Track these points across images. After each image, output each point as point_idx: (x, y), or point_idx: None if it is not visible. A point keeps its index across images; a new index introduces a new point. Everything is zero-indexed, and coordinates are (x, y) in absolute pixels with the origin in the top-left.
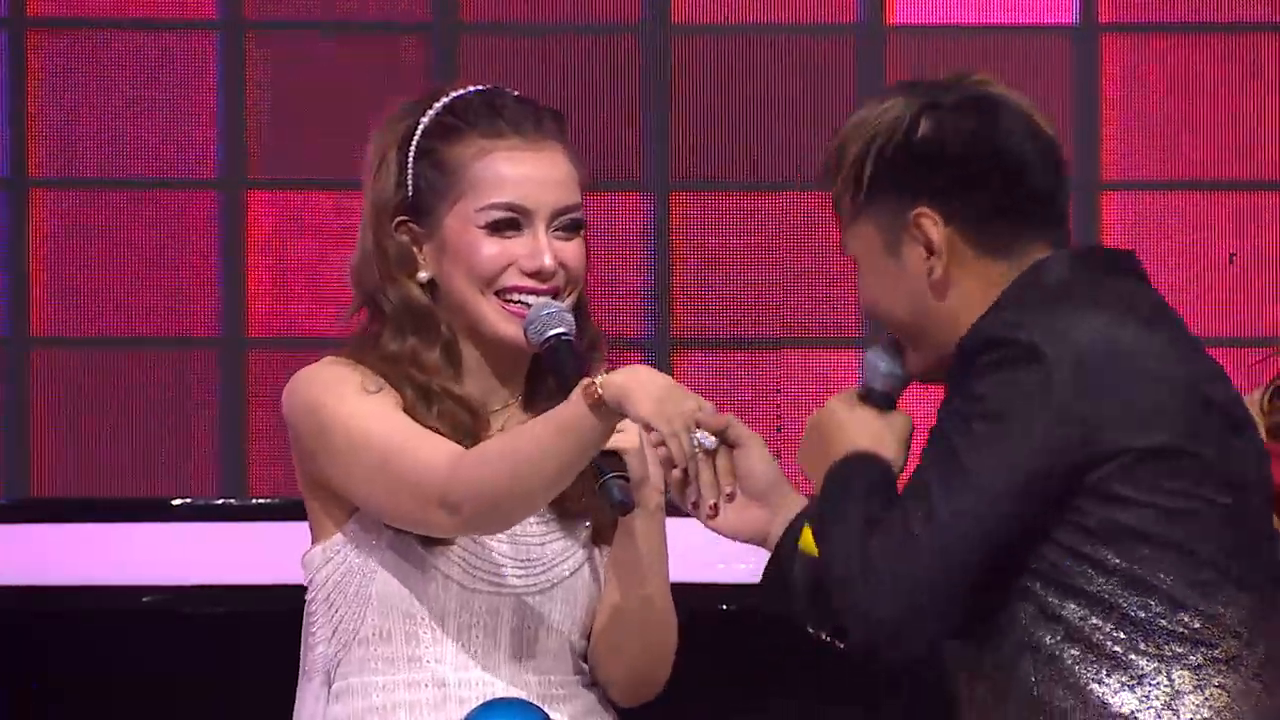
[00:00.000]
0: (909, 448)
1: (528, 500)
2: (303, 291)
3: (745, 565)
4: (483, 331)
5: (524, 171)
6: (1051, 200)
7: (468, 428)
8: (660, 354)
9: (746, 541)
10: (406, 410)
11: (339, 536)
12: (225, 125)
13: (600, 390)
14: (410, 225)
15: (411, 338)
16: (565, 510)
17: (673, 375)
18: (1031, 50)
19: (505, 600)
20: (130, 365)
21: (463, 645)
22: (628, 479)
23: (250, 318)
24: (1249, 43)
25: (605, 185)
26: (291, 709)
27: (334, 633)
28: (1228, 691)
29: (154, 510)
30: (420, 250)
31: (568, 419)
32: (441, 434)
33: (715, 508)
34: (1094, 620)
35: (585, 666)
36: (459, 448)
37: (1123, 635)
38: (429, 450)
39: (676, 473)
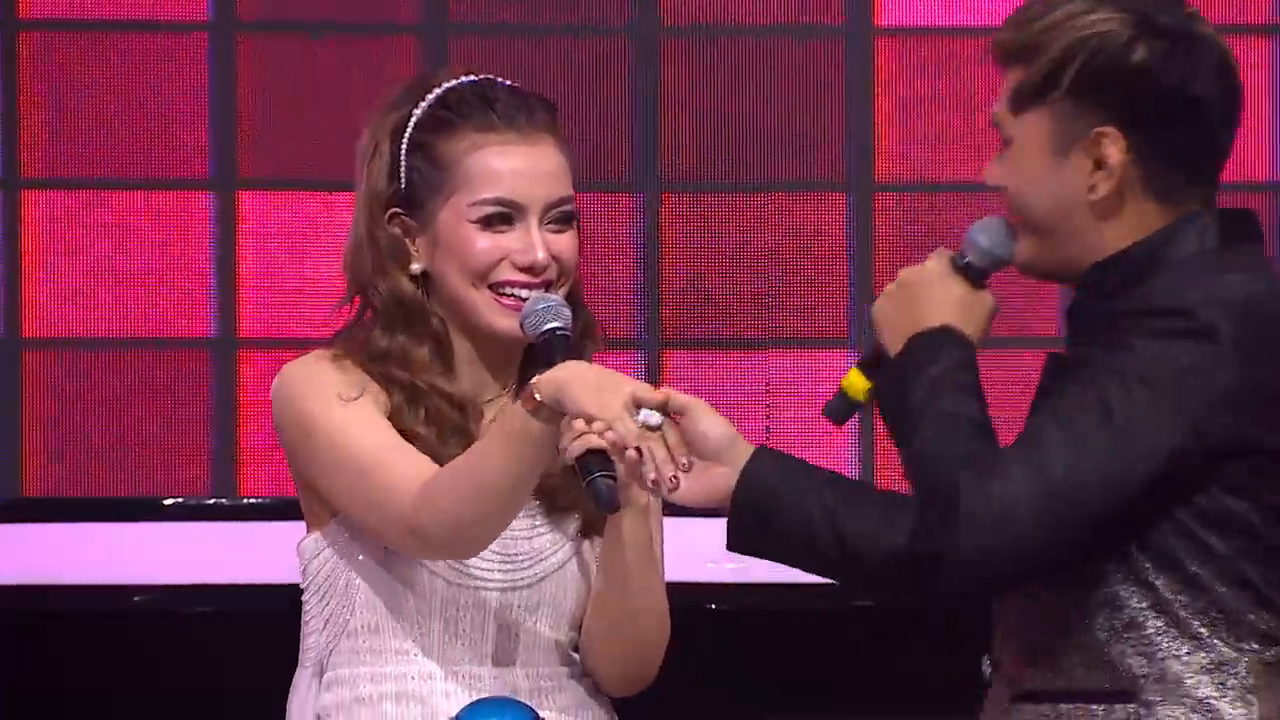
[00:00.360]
0: (989, 329)
1: (493, 519)
2: (294, 292)
3: (734, 565)
4: (476, 324)
5: (516, 165)
6: (1223, 156)
7: (457, 425)
8: (651, 354)
9: (717, 504)
10: (392, 414)
11: (332, 526)
12: (217, 126)
13: (537, 393)
14: (403, 218)
15: (401, 334)
16: (554, 504)
17: (663, 376)
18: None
19: (492, 595)
20: (123, 365)
21: (449, 639)
22: (615, 478)
23: (241, 318)
24: None
25: (597, 186)
26: (283, 707)
27: (325, 624)
28: None
29: (146, 510)
30: (413, 242)
31: (513, 428)
32: (428, 439)
33: (675, 479)
34: (1184, 598)
35: (575, 658)
36: (430, 468)
37: (1209, 619)
38: (399, 475)
39: (631, 454)
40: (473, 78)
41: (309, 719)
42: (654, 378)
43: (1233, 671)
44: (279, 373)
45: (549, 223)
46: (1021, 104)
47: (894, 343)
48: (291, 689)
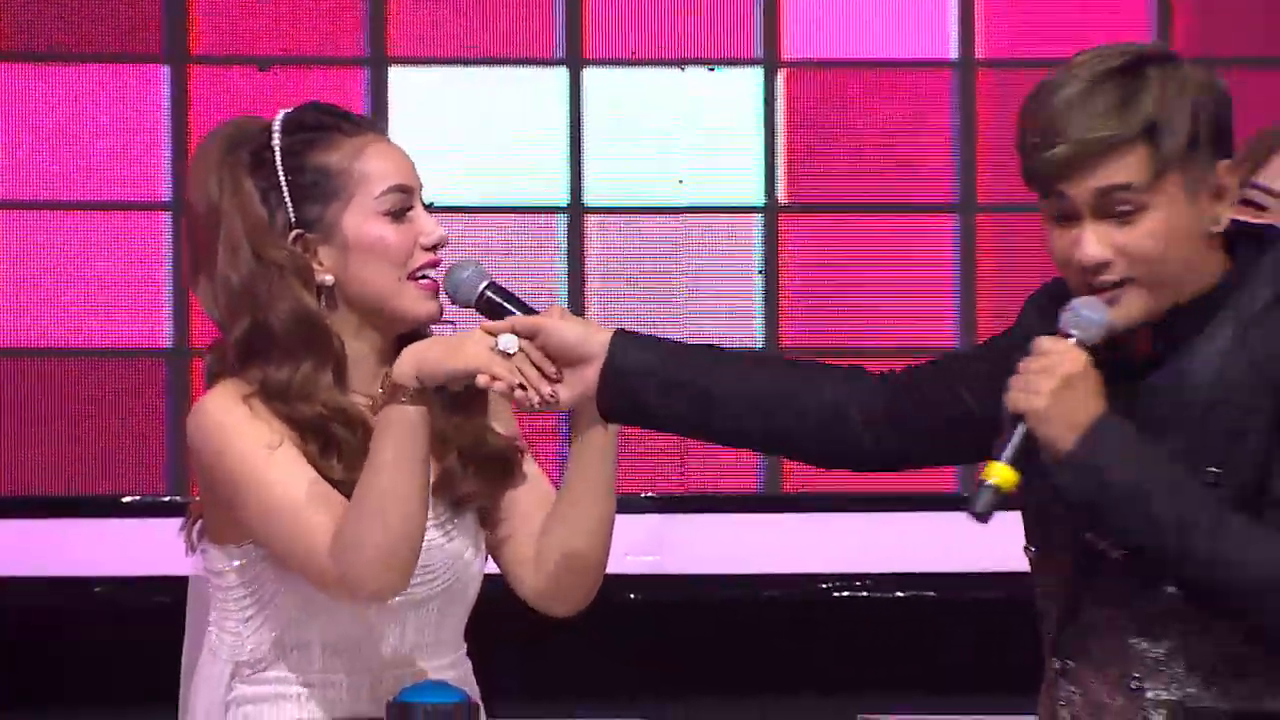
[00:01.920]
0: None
1: (413, 531)
2: None
3: (651, 558)
4: (397, 316)
5: (396, 157)
6: None
7: (355, 449)
8: None
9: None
10: (307, 457)
11: (249, 547)
12: (173, 152)
13: (400, 382)
14: (305, 235)
15: (305, 361)
16: (455, 498)
17: None
18: (916, 82)
19: (417, 604)
20: (86, 374)
21: (372, 645)
22: None
23: (194, 330)
24: None
25: (528, 207)
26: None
27: (245, 625)
28: None
29: (106, 506)
30: (315, 255)
31: (398, 427)
32: (336, 470)
33: (553, 393)
34: None
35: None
36: (342, 507)
37: None
38: (322, 531)
39: (518, 392)
40: (288, 109)
41: (217, 707)
42: None
43: None
44: (198, 413)
45: (425, 206)
46: (1154, 177)
47: (1064, 437)
48: (196, 676)
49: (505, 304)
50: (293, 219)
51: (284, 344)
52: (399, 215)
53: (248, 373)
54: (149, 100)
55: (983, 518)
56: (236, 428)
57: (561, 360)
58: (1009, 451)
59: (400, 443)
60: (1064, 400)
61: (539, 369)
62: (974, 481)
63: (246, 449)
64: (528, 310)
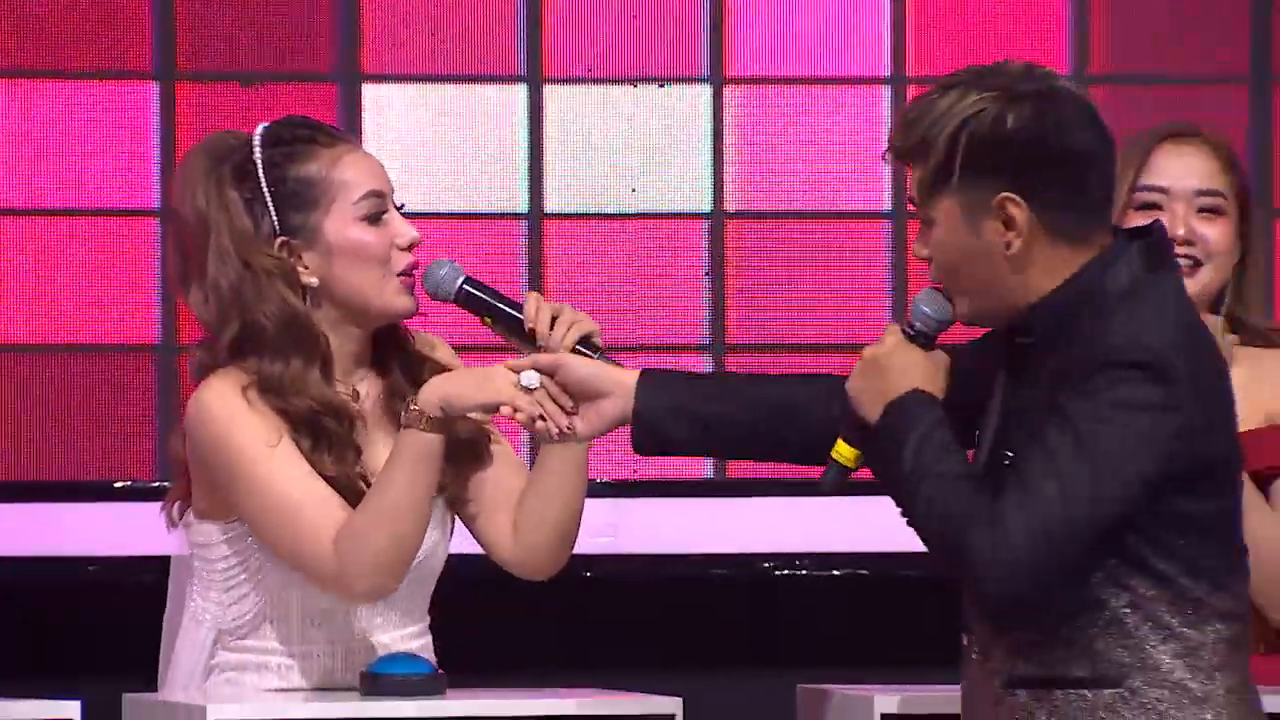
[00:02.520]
0: (947, 382)
1: (412, 544)
2: None
3: (606, 539)
4: (378, 312)
5: (370, 164)
6: (1111, 190)
7: (346, 439)
8: None
9: (615, 429)
10: (301, 452)
11: (237, 525)
12: (161, 163)
13: (425, 411)
14: (290, 241)
15: (294, 359)
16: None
17: None
18: (852, 97)
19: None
20: (81, 368)
21: (346, 619)
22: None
23: (181, 328)
24: None
25: (492, 214)
26: None
27: (229, 595)
28: (1244, 662)
29: (99, 491)
30: (300, 260)
31: (415, 453)
32: (328, 463)
33: (571, 425)
34: (1155, 593)
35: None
36: (343, 511)
37: (1178, 610)
38: (320, 528)
39: (539, 423)
40: (267, 124)
41: (199, 669)
42: None
43: (1200, 654)
44: (198, 400)
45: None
46: (928, 194)
47: (872, 413)
48: (179, 639)
49: (484, 296)
50: (277, 227)
51: (274, 344)
52: (375, 219)
53: (243, 364)
54: (140, 114)
55: (832, 491)
56: (235, 421)
57: (579, 395)
58: (846, 429)
59: (416, 468)
60: (869, 379)
61: (558, 404)
62: (827, 459)
63: (246, 444)
64: (506, 301)
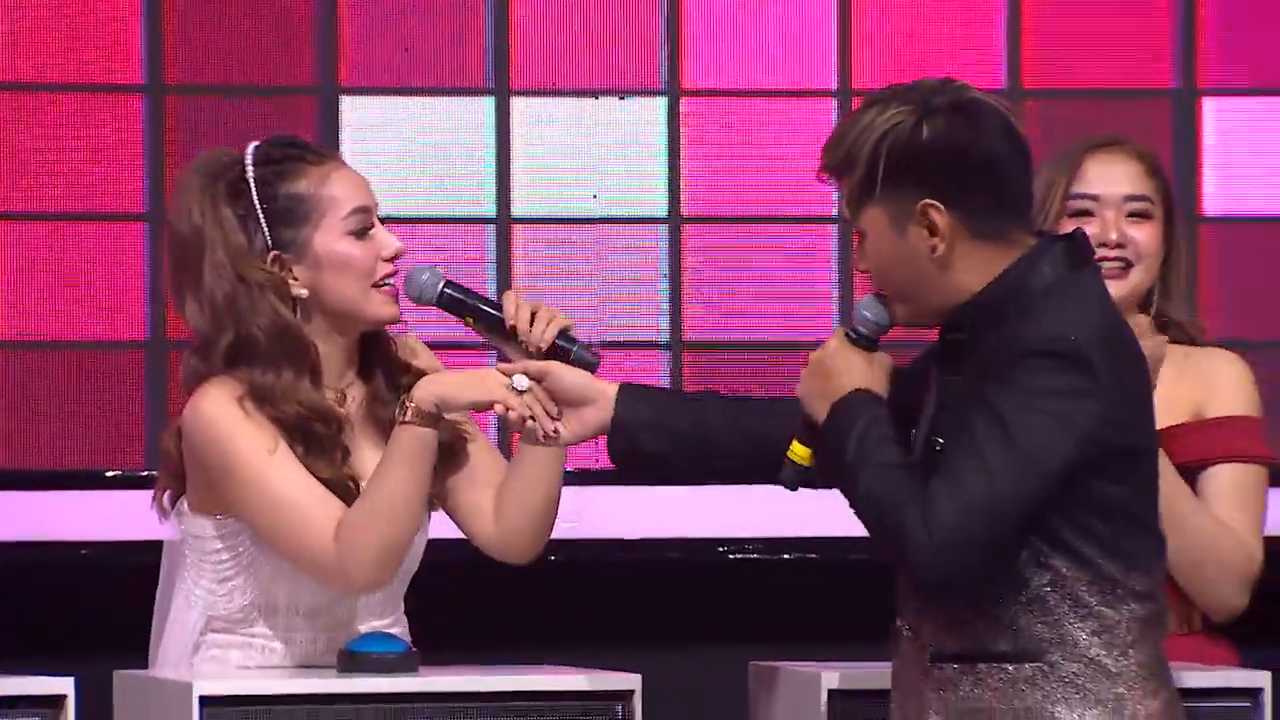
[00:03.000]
0: (891, 380)
1: (405, 537)
2: None
3: (572, 524)
4: (363, 320)
5: (356, 181)
6: (1027, 192)
7: (334, 441)
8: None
9: (594, 437)
10: (297, 457)
11: (230, 521)
12: (150, 170)
13: (420, 407)
14: (281, 255)
15: (285, 368)
16: None
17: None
18: (800, 109)
19: None
20: (75, 363)
21: (328, 604)
22: (578, 342)
23: (168, 325)
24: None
25: (462, 218)
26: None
27: (218, 585)
28: (1157, 641)
29: (92, 479)
30: (290, 273)
31: (411, 447)
32: (320, 465)
33: (555, 429)
34: (1075, 573)
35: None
36: (338, 509)
37: (1096, 590)
38: (318, 525)
39: (528, 422)
40: (257, 143)
41: (187, 645)
42: None
43: (1115, 632)
44: (196, 406)
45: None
46: (858, 205)
47: (819, 412)
48: (170, 620)
49: (464, 298)
50: (269, 242)
51: (266, 354)
52: (362, 233)
53: (236, 373)
54: (130, 125)
55: (789, 487)
56: (234, 429)
57: (564, 402)
58: (799, 429)
59: (412, 461)
60: (816, 381)
61: (544, 408)
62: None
63: (245, 450)
64: (485, 301)
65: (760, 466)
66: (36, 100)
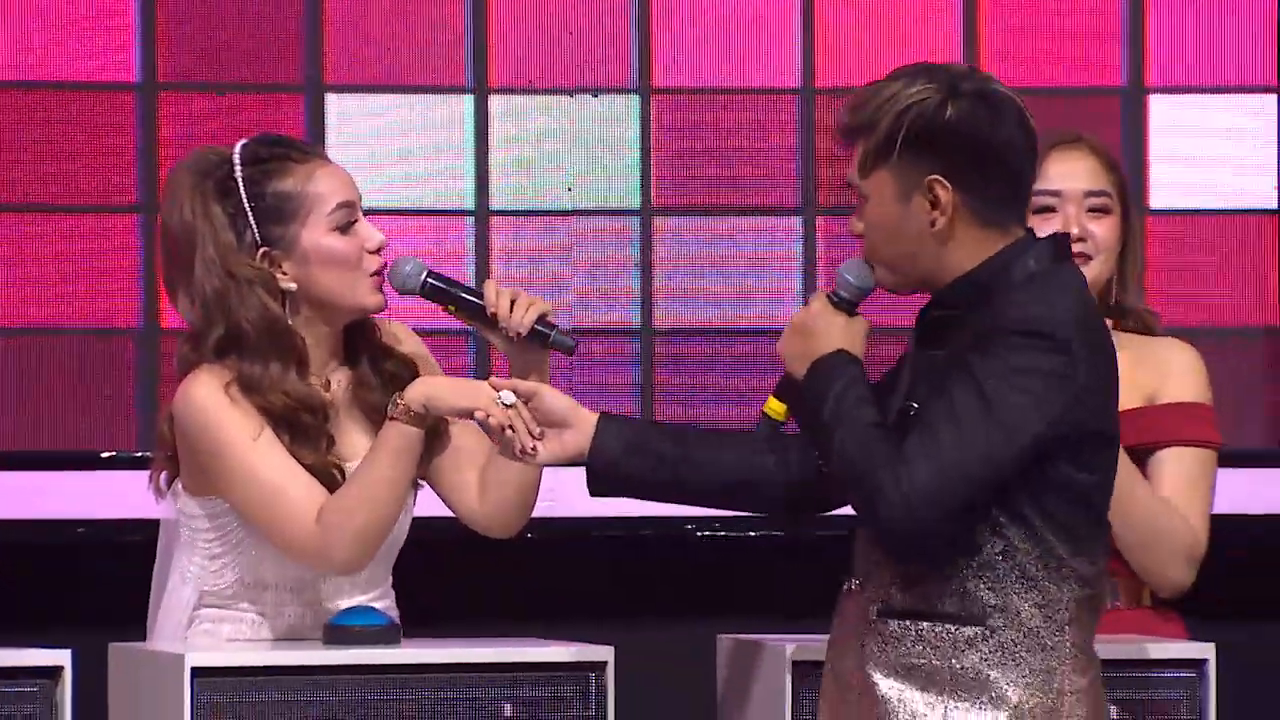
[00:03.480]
0: (866, 344)
1: (389, 524)
2: None
3: (549, 503)
4: (351, 309)
5: (340, 177)
6: (1029, 187)
7: (319, 429)
8: (482, 347)
9: (569, 463)
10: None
11: (219, 502)
12: (143, 164)
13: (410, 406)
14: (270, 252)
15: (273, 360)
16: None
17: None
18: (765, 105)
19: None
20: (71, 349)
21: (316, 579)
22: (556, 326)
23: (163, 314)
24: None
25: (442, 210)
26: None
27: (208, 563)
28: (1091, 624)
29: (88, 460)
30: (279, 268)
31: (398, 444)
32: (304, 453)
33: (534, 447)
34: (1027, 546)
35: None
36: (320, 493)
37: (1044, 564)
38: (300, 508)
39: (507, 432)
40: (245, 141)
41: (182, 619)
42: None
43: (1055, 608)
44: (186, 393)
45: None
46: (869, 168)
47: (799, 371)
48: (166, 595)
49: (446, 287)
50: (258, 239)
51: (254, 346)
52: (346, 228)
53: (225, 362)
54: (124, 120)
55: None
56: (221, 414)
57: (547, 423)
58: (777, 386)
59: (398, 456)
60: (797, 341)
61: (527, 426)
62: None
63: (231, 435)
64: (467, 289)
65: (733, 500)
66: (34, 97)
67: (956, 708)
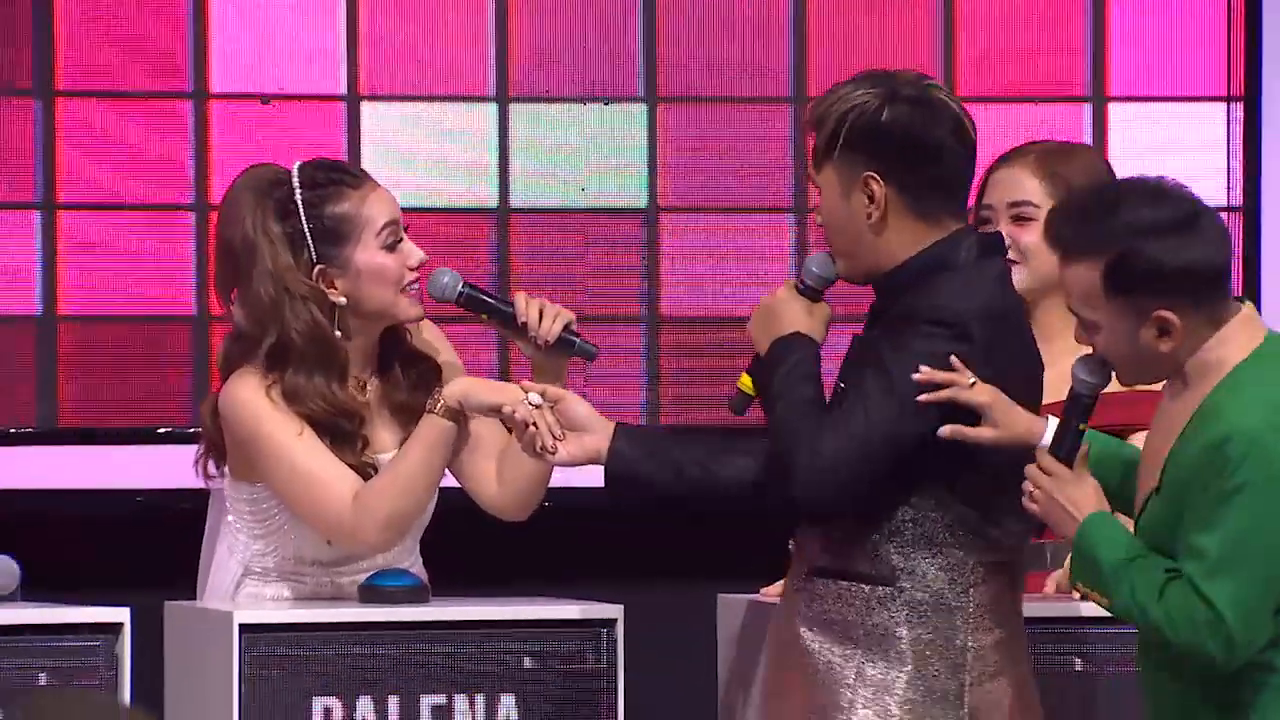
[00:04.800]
0: (828, 328)
1: (420, 509)
2: None
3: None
4: (393, 320)
5: (388, 200)
6: (964, 185)
7: (352, 435)
8: (502, 344)
9: (586, 463)
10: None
11: (261, 489)
12: (197, 166)
13: (447, 402)
14: (326, 270)
15: (316, 372)
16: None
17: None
18: (760, 114)
19: None
20: (133, 335)
21: (348, 563)
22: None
23: (211, 303)
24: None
25: (468, 209)
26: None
27: (252, 541)
28: (1003, 585)
29: (143, 436)
30: (331, 285)
31: (435, 436)
32: (347, 456)
33: (555, 446)
34: (935, 514)
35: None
36: (354, 480)
37: (951, 532)
38: (337, 493)
39: (531, 428)
40: (300, 161)
41: (230, 587)
42: None
43: (961, 571)
44: (231, 392)
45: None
46: (818, 163)
47: (761, 348)
48: (214, 565)
49: (483, 297)
50: (314, 257)
51: (301, 355)
52: (393, 246)
53: (267, 368)
54: (179, 126)
55: (735, 412)
56: (261, 411)
57: (569, 426)
58: (750, 365)
59: (432, 446)
60: (761, 322)
61: (549, 427)
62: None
63: (275, 430)
64: (499, 299)
65: (748, 497)
66: (101, 106)
67: (867, 661)
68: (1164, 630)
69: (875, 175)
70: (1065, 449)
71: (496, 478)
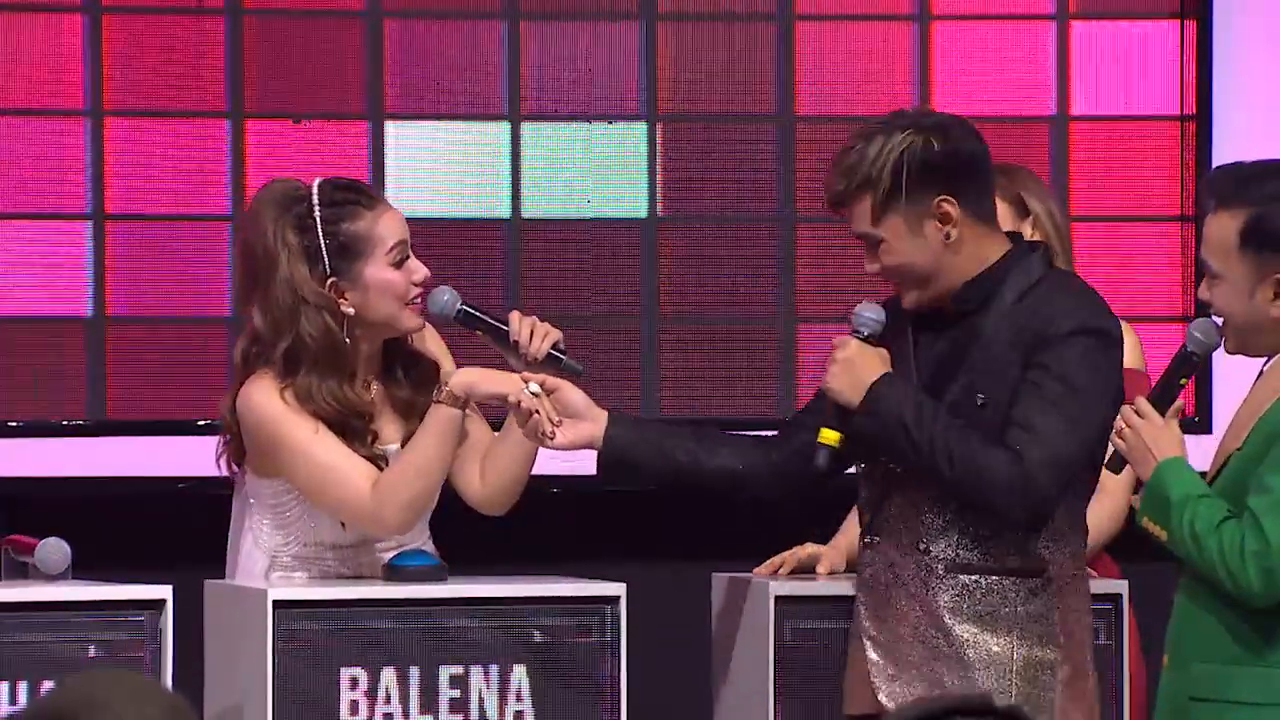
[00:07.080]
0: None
1: (434, 492)
2: None
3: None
4: (397, 330)
5: (398, 220)
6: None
7: (360, 432)
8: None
9: (583, 448)
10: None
11: (278, 483)
12: (233, 180)
13: (454, 391)
14: (338, 282)
15: (328, 376)
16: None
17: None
18: (754, 131)
19: None
20: (175, 335)
21: (365, 548)
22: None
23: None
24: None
25: (482, 219)
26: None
27: (278, 530)
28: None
29: (184, 428)
30: (343, 296)
31: (444, 424)
32: (359, 450)
33: (553, 431)
34: (1064, 508)
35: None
36: (371, 471)
37: (1070, 521)
38: (355, 483)
39: (535, 415)
40: (320, 179)
41: (260, 569)
42: None
43: (1079, 557)
44: (248, 396)
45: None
46: (880, 216)
47: (854, 399)
48: (241, 556)
49: (478, 315)
50: (328, 270)
51: (314, 359)
52: (400, 263)
53: (281, 371)
54: (216, 144)
55: (822, 469)
56: (277, 412)
57: (565, 414)
58: (833, 420)
59: (443, 435)
60: (845, 376)
61: (548, 413)
62: (814, 445)
63: (292, 428)
64: (494, 316)
65: (733, 481)
66: (141, 124)
67: (1023, 645)
68: (1212, 557)
69: (946, 198)
70: (1163, 398)
71: (480, 478)
